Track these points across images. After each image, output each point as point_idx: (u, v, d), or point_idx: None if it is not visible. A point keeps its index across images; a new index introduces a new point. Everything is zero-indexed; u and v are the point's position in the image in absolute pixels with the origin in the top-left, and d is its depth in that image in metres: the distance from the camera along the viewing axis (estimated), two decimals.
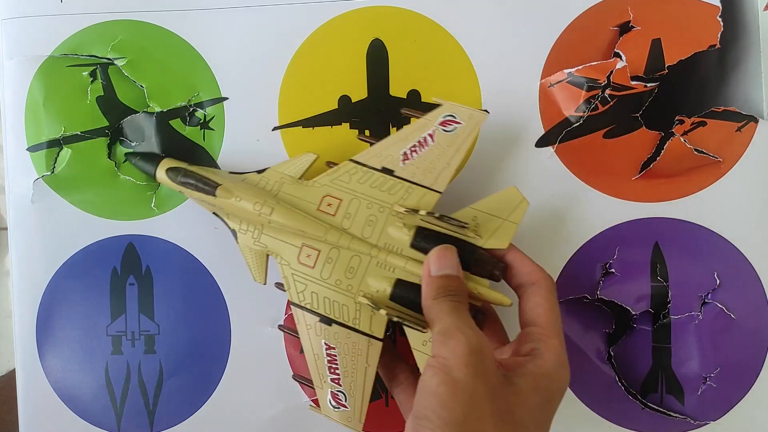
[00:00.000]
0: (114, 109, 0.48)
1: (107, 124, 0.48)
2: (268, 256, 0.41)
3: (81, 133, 0.47)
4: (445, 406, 0.30)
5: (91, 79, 0.48)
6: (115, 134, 0.48)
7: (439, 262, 0.36)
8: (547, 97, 0.46)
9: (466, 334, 0.32)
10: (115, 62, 0.47)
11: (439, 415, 0.30)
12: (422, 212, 0.36)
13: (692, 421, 0.45)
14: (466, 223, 0.37)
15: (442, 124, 0.41)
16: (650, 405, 0.46)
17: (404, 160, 0.40)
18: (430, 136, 0.40)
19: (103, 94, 0.48)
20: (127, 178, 0.48)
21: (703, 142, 0.45)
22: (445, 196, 0.47)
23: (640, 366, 0.46)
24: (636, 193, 0.46)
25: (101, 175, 0.48)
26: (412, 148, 0.40)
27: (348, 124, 0.47)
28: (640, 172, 0.46)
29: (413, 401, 0.32)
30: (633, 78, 0.44)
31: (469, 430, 0.29)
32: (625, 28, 0.45)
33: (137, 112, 0.47)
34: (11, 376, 0.49)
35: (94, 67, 0.48)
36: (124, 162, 0.48)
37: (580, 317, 0.47)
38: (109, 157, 0.48)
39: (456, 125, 0.41)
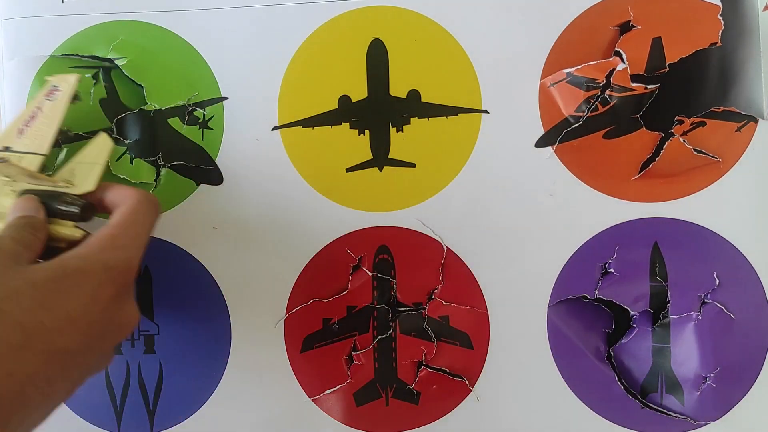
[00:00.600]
0: (117, 111, 0.48)
1: (109, 125, 0.48)
2: None
3: (83, 133, 0.47)
4: None
5: (94, 81, 0.48)
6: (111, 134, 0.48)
7: (14, 210, 0.37)
8: (547, 97, 0.46)
9: None
10: (116, 62, 0.47)
11: None
12: None
13: (692, 421, 0.46)
14: (42, 153, 0.40)
15: (47, 94, 0.44)
16: (650, 405, 0.46)
17: (19, 134, 0.43)
18: (39, 108, 0.44)
19: (106, 96, 0.48)
20: (121, 176, 0.48)
21: (703, 142, 0.45)
22: (445, 195, 0.47)
23: (640, 366, 0.46)
24: (636, 193, 0.46)
25: None
26: (25, 123, 0.43)
27: (348, 123, 0.47)
28: (639, 173, 0.46)
29: None
30: (633, 77, 0.44)
31: None
32: (625, 27, 0.45)
33: (132, 110, 0.47)
34: None
35: (97, 70, 0.48)
36: (117, 160, 0.48)
37: (579, 317, 0.47)
38: None
39: (57, 92, 0.44)
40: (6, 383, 0.28)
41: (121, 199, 0.38)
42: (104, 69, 0.48)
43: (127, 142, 0.48)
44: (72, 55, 0.48)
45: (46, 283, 0.31)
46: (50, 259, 0.33)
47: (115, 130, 0.48)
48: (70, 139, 0.47)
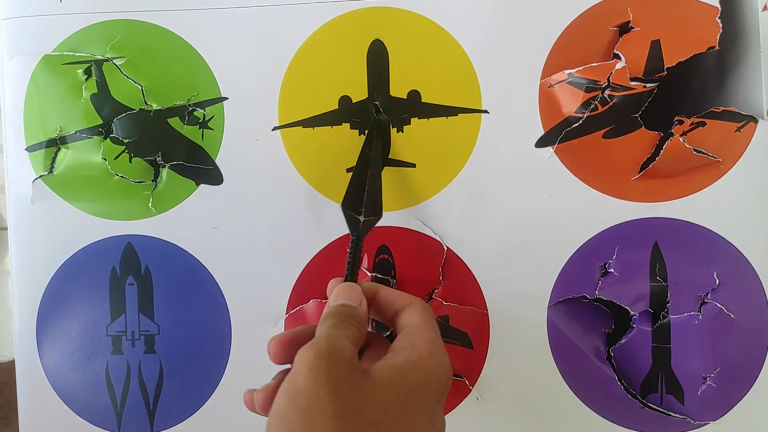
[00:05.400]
0: (107, 106, 0.48)
1: (101, 122, 0.48)
2: None
3: (77, 132, 0.47)
4: (283, 416, 0.28)
5: (86, 76, 0.48)
6: (108, 132, 0.48)
7: (336, 297, 0.35)
8: (547, 97, 0.46)
9: (320, 339, 0.29)
10: (114, 62, 0.47)
11: (278, 428, 0.28)
12: None
13: (692, 421, 0.46)
14: None
15: None
16: (650, 405, 0.46)
17: None
18: None
19: (96, 91, 0.48)
20: (120, 175, 0.48)
21: (703, 142, 0.45)
22: (444, 195, 0.47)
23: (640, 366, 0.46)
24: (635, 193, 0.46)
25: (97, 175, 0.48)
26: None
27: (348, 124, 0.47)
28: (639, 173, 0.46)
29: None
30: (632, 79, 0.44)
31: None
32: (624, 28, 0.45)
33: (132, 109, 0.47)
34: (8, 363, 0.49)
35: (89, 64, 0.48)
36: (114, 159, 0.48)
37: (579, 317, 0.47)
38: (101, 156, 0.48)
39: None
40: None
41: (401, 301, 0.35)
42: (96, 63, 0.48)
43: (126, 141, 0.47)
44: (69, 53, 0.48)
45: (394, 406, 0.29)
46: None
47: (106, 128, 0.47)
48: (67, 138, 0.47)
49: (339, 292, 0.35)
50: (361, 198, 0.40)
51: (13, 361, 0.49)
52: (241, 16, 0.47)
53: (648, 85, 0.44)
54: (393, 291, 0.36)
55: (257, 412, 0.33)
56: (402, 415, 0.29)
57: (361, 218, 0.39)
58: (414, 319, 0.34)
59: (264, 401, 0.32)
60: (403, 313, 0.35)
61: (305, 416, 0.27)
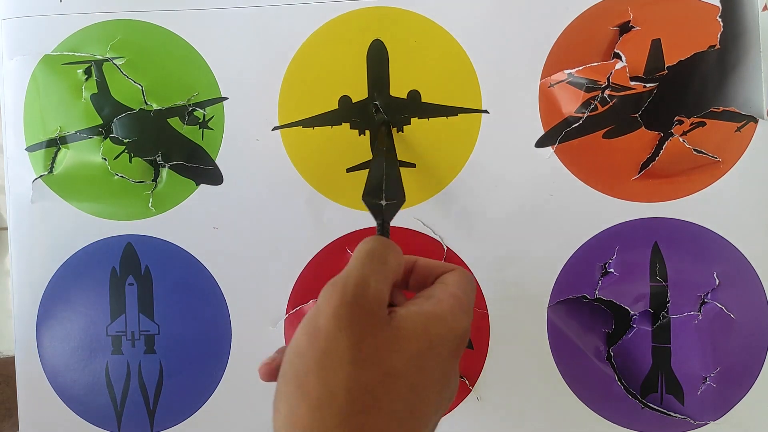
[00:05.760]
0: (107, 106, 0.48)
1: (101, 122, 0.48)
2: None
3: (77, 132, 0.47)
4: (300, 354, 0.27)
5: (86, 76, 0.48)
6: (108, 132, 0.48)
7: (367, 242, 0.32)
8: (547, 97, 0.46)
9: (347, 283, 0.28)
10: (114, 62, 0.47)
11: (293, 363, 0.27)
12: None
13: (692, 421, 0.46)
14: None
15: None
16: (650, 405, 0.46)
17: None
18: None
19: (96, 91, 0.48)
20: (120, 175, 0.48)
21: (703, 142, 0.45)
22: (445, 195, 0.47)
23: (640, 366, 0.46)
24: (635, 193, 0.46)
25: (97, 175, 0.48)
26: None
27: (348, 124, 0.47)
28: (639, 173, 0.46)
29: None
30: (633, 78, 0.44)
31: (320, 380, 0.26)
32: (625, 28, 0.45)
33: (132, 109, 0.47)
34: (12, 357, 0.50)
35: (89, 64, 0.48)
36: (114, 159, 0.48)
37: (579, 317, 0.47)
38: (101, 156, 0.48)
39: None
40: None
41: (443, 267, 0.34)
42: (96, 63, 0.48)
43: (126, 141, 0.47)
44: (69, 53, 0.48)
45: (415, 358, 0.28)
46: None
47: (106, 128, 0.47)
48: (68, 138, 0.47)
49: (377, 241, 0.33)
50: (380, 186, 0.39)
51: (7, 358, 0.49)
52: (241, 16, 0.47)
53: (648, 85, 0.44)
54: (433, 260, 0.35)
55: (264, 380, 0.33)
56: (422, 368, 0.28)
57: (383, 202, 0.38)
58: (449, 279, 0.33)
59: (264, 373, 0.32)
60: (444, 275, 0.34)
61: (322, 358, 0.27)
